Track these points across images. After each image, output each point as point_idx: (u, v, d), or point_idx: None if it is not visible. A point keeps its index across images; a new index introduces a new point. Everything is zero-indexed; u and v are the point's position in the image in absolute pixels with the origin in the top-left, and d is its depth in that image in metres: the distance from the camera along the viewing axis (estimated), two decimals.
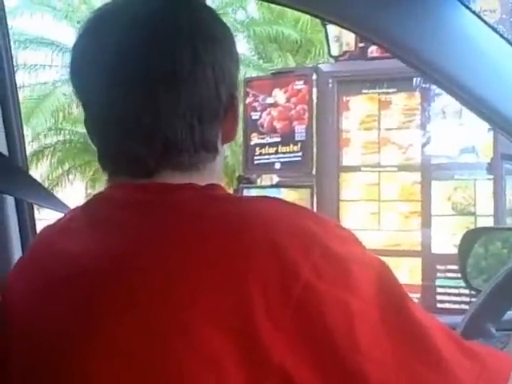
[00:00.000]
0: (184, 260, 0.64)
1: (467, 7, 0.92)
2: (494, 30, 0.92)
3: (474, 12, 0.93)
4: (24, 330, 0.72)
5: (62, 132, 11.35)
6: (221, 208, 0.68)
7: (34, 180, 1.13)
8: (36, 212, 1.20)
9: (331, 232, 0.67)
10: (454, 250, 1.29)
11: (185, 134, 0.71)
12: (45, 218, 1.10)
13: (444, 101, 3.57)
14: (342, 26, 0.96)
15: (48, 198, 1.10)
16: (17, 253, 1.08)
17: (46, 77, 11.17)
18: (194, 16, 0.74)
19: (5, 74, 1.12)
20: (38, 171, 10.65)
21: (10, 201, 1.08)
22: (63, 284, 0.70)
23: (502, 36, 0.92)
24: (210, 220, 0.66)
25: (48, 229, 0.80)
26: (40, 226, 1.10)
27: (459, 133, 3.57)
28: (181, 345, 0.62)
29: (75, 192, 11.01)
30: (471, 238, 1.30)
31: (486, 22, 0.92)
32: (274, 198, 0.72)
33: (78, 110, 10.44)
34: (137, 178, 0.72)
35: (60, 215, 0.82)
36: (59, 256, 0.73)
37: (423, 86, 3.62)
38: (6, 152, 1.07)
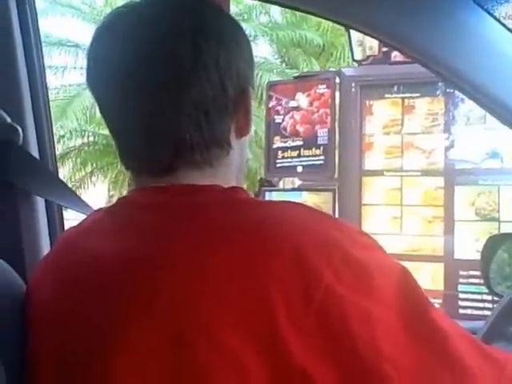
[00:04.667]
0: (205, 264, 0.65)
1: (490, 14, 0.93)
2: None
3: (497, 19, 0.93)
4: (51, 330, 0.73)
5: (86, 134, 11.44)
6: (244, 213, 0.69)
7: (63, 182, 1.16)
8: (64, 212, 1.22)
9: (353, 238, 0.68)
10: (477, 256, 1.28)
11: (193, 133, 0.72)
12: (72, 218, 1.12)
13: (468, 106, 3.54)
14: (366, 34, 0.97)
15: (74, 200, 1.12)
16: (46, 249, 1.09)
17: (71, 79, 11.29)
18: (196, 14, 0.74)
19: (36, 77, 1.14)
20: (61, 173, 10.74)
21: (40, 200, 1.11)
22: (86, 284, 0.71)
23: None
24: (233, 225, 0.67)
25: (71, 230, 0.82)
26: (68, 225, 1.12)
27: (483, 138, 3.53)
28: (206, 349, 0.62)
29: (97, 193, 11.09)
30: (494, 243, 1.29)
31: (510, 30, 0.92)
32: (296, 204, 0.73)
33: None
34: (156, 176, 0.73)
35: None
36: (82, 257, 0.74)
37: (447, 90, 3.60)
38: (37, 155, 1.10)
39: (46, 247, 1.09)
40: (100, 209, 0.80)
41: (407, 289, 0.66)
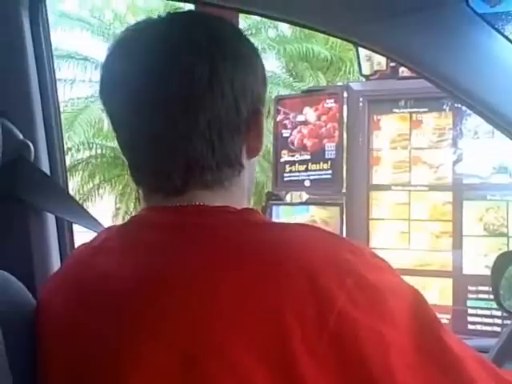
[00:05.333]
0: (217, 285, 0.64)
1: (501, 33, 0.93)
2: None
3: (507, 37, 0.93)
4: (62, 345, 0.74)
5: (94, 146, 11.48)
6: (255, 234, 0.68)
7: (73, 199, 1.17)
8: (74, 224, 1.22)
9: (365, 261, 0.67)
10: (486, 271, 1.28)
11: (205, 152, 0.71)
12: (82, 230, 1.13)
13: (476, 120, 3.54)
14: (376, 52, 0.97)
15: (84, 216, 1.12)
16: (56, 265, 1.09)
17: (80, 92, 11.35)
18: (213, 34, 0.73)
19: (48, 93, 1.14)
20: (69, 186, 10.75)
21: (50, 216, 1.11)
22: (96, 302, 0.71)
23: None
24: (245, 247, 0.66)
25: (82, 247, 0.82)
26: (77, 237, 1.12)
27: (491, 153, 3.52)
28: (217, 369, 0.62)
29: (105, 206, 11.10)
30: (505, 259, 1.29)
31: None
32: (307, 226, 0.73)
33: (108, 125, 10.50)
34: (169, 195, 0.73)
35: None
36: (92, 274, 0.74)
37: (455, 105, 3.60)
38: (47, 171, 1.11)
39: (56, 263, 1.09)
40: (111, 227, 0.81)
41: (419, 312, 0.65)
